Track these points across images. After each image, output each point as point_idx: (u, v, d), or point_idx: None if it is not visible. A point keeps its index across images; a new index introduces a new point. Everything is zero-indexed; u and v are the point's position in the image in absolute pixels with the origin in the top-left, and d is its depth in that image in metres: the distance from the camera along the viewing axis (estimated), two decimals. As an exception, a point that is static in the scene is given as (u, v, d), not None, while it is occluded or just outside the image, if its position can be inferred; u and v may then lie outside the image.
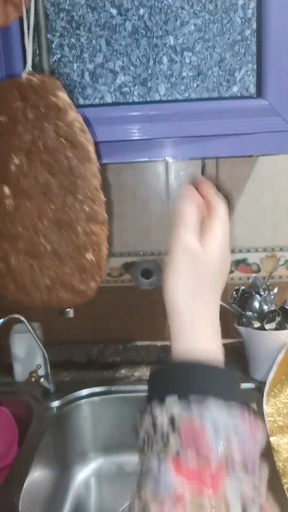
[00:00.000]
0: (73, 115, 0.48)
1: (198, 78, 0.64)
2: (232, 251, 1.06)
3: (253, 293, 0.96)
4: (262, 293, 0.96)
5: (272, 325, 0.93)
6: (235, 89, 0.65)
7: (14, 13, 0.55)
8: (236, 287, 1.00)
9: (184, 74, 0.64)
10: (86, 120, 0.56)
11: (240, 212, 1.04)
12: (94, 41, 0.64)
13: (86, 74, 0.65)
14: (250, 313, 0.94)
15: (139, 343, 1.11)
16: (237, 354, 1.01)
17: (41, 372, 1.00)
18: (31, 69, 0.51)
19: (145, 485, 0.32)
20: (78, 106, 0.56)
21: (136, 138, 0.64)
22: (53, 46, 0.64)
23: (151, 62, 0.64)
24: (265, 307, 0.94)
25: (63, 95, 0.47)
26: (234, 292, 0.99)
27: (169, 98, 0.65)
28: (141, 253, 1.09)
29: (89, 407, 0.96)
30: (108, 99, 0.65)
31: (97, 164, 0.49)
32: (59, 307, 0.64)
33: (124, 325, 1.11)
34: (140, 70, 0.64)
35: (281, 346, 0.91)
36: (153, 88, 0.65)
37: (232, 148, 0.65)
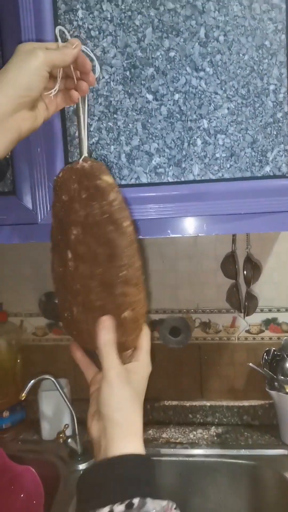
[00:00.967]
0: (114, 195, 0.53)
1: (231, 159, 0.66)
2: (262, 310, 1.05)
3: (285, 355, 0.95)
4: (294, 357, 0.94)
5: (305, 391, 0.91)
6: (267, 168, 0.66)
7: (69, 102, 0.59)
8: (267, 349, 0.99)
9: (217, 155, 0.66)
10: (126, 199, 0.58)
11: (268, 272, 1.04)
12: (130, 125, 0.67)
13: (123, 156, 0.67)
14: (282, 377, 0.92)
15: (166, 402, 1.09)
16: (268, 417, 0.99)
17: (68, 431, 0.99)
18: (86, 155, 0.58)
19: None
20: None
21: (170, 216, 0.66)
22: (92, 129, 0.67)
23: (186, 144, 0.66)
24: (297, 372, 0.92)
25: (106, 178, 0.54)
26: (265, 354, 0.98)
27: (203, 178, 0.66)
28: (170, 311, 1.09)
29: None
30: (144, 179, 0.67)
31: (133, 235, 0.54)
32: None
33: (151, 384, 1.10)
34: (174, 152, 0.66)
35: (314, 414, 0.89)
36: (187, 169, 0.67)
37: (264, 225, 0.66)
